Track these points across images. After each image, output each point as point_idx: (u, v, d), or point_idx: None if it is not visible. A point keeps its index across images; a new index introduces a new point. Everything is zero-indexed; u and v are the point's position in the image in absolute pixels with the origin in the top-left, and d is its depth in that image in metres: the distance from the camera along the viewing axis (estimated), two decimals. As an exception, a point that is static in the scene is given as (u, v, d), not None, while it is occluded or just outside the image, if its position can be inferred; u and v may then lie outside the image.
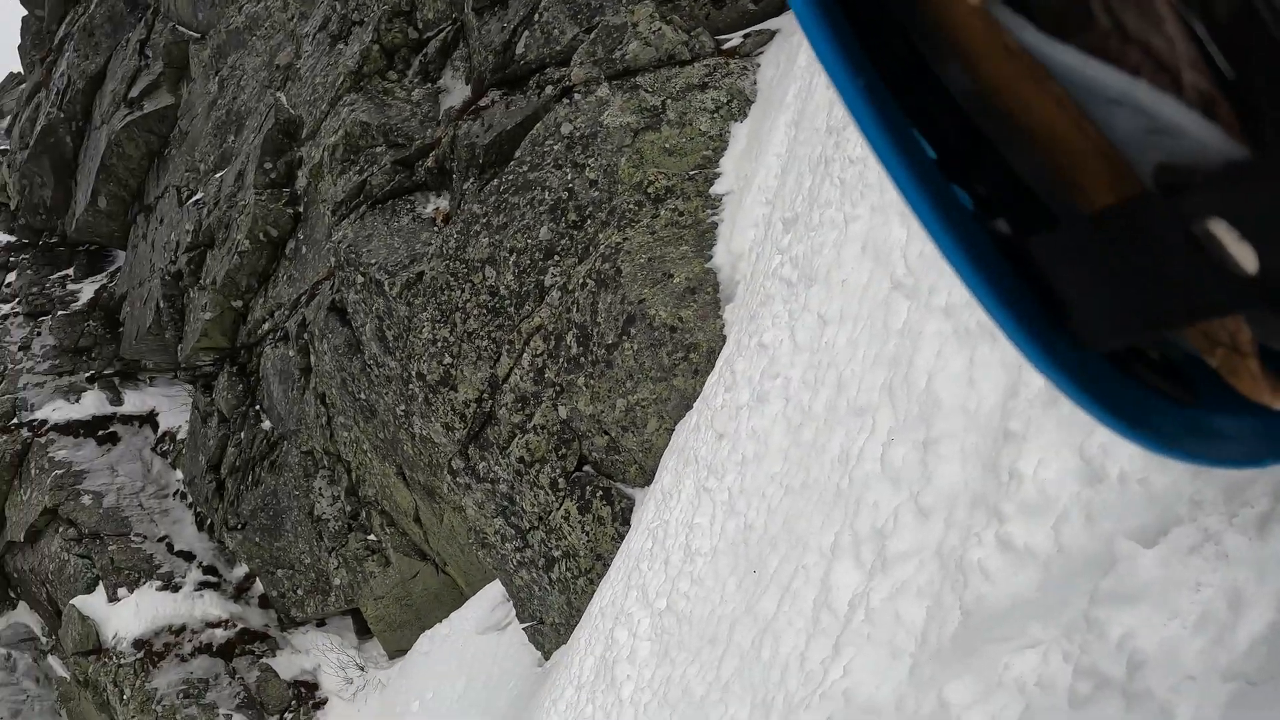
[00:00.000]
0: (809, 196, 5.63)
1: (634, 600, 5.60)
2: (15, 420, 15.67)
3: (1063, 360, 0.57)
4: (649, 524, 6.03)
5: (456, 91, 9.15)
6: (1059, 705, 2.01)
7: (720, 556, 4.66)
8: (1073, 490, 2.24)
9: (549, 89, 8.14)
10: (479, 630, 10.18)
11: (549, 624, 8.29)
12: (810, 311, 4.90)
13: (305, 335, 11.56)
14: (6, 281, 18.32)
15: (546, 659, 8.46)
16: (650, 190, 7.26)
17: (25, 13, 20.61)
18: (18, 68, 25.08)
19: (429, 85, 9.50)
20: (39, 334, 17.01)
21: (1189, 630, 1.76)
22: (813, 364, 4.61)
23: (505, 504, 8.03)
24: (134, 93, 15.91)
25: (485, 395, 7.94)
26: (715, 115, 7.49)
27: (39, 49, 19.71)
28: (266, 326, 12.70)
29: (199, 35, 15.02)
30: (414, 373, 8.50)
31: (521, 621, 8.79)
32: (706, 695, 4.03)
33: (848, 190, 4.93)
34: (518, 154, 7.97)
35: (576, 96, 7.89)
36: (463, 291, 8.01)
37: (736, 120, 7.49)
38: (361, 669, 13.02)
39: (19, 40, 21.01)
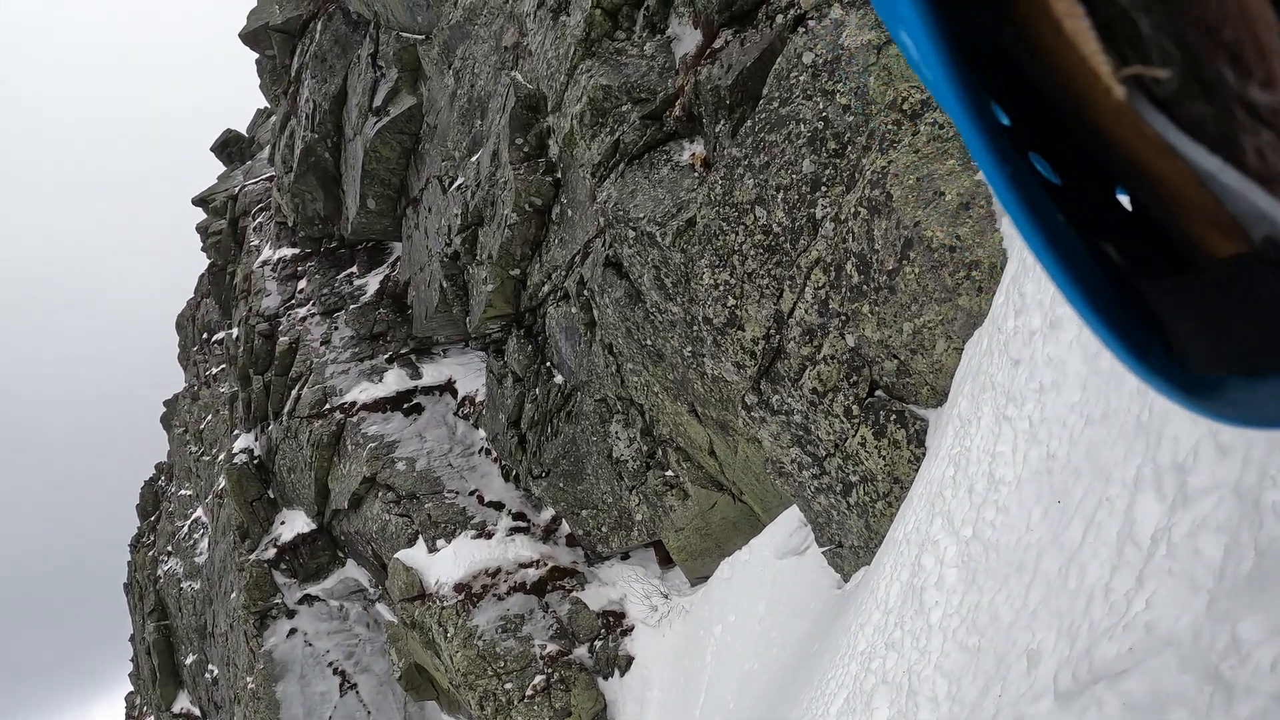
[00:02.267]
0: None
1: (939, 527, 5.87)
2: (327, 406, 18.32)
3: (1167, 374, 0.67)
4: (949, 450, 6.27)
5: (687, 38, 9.53)
6: (1340, 649, 2.28)
7: (1024, 485, 4.93)
8: (1358, 438, 2.49)
9: (779, 18, 8.38)
10: (778, 555, 10.84)
11: (848, 547, 8.71)
12: (1100, 232, 4.95)
13: (585, 292, 12.57)
14: (299, 289, 21.13)
15: (845, 581, 8.89)
16: (905, 107, 7.35)
17: (256, 55, 23.39)
18: (261, 105, 28.44)
19: (658, 37, 9.92)
20: (336, 328, 19.63)
21: None
22: (1106, 287, 4.70)
23: (800, 434, 8.50)
24: (377, 102, 17.70)
25: (772, 331, 8.42)
26: (961, 15, 7.41)
27: (278, 84, 22.41)
28: (546, 289, 13.86)
29: (423, 36, 16.31)
30: (699, 317, 9.11)
31: (820, 545, 9.23)
32: (1014, 621, 4.28)
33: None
34: (765, 91, 8.31)
35: (810, 23, 8.08)
36: (736, 235, 8.51)
37: (982, 14, 7.36)
38: (665, 597, 14.25)
39: (258, 81, 24.01)
